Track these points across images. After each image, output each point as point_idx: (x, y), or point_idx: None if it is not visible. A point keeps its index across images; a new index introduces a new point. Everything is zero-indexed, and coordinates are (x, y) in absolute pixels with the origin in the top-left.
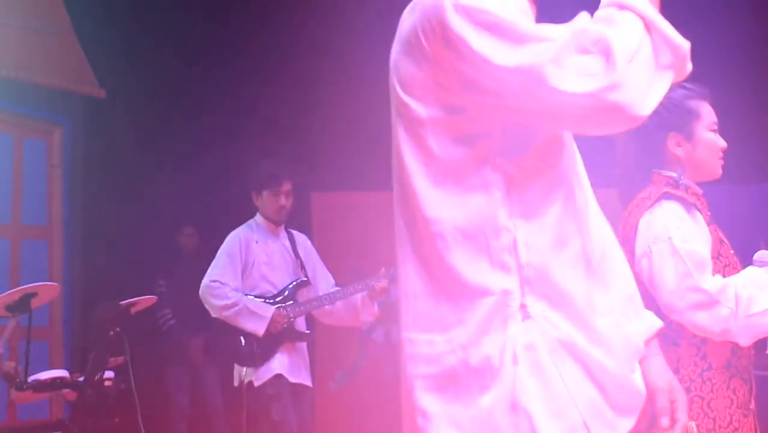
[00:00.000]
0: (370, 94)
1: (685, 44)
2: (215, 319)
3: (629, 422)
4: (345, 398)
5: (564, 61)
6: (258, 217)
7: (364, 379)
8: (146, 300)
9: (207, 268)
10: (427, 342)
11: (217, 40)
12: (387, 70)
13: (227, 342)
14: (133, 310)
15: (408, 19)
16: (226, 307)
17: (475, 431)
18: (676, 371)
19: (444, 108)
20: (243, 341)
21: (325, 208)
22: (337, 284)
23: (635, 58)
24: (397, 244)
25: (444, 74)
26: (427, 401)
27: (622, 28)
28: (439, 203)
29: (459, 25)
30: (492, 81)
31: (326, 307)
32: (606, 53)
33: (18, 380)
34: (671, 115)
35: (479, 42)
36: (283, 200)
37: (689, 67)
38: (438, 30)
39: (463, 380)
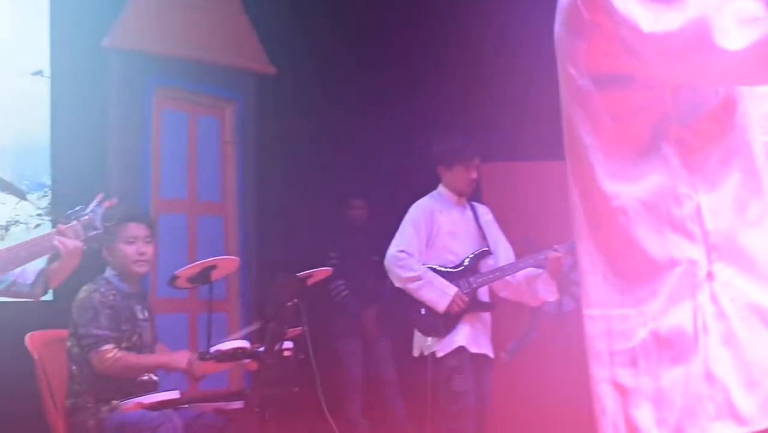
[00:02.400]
0: (538, 65)
1: None
2: (388, 290)
3: None
4: (516, 369)
5: (725, 9)
6: (441, 188)
7: (535, 350)
8: (322, 272)
9: (376, 239)
10: (620, 317)
11: (387, 17)
12: (553, 38)
13: (408, 312)
14: (309, 282)
15: None
16: (411, 279)
17: (669, 402)
18: None
19: (613, 78)
20: (423, 311)
21: (494, 178)
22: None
23: None
24: (574, 219)
25: (608, 42)
26: (623, 375)
27: None
28: (617, 177)
29: None
30: (656, 50)
31: (507, 278)
32: None
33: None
34: None
35: (641, 12)
36: (474, 173)
37: None
38: None
39: (654, 352)
